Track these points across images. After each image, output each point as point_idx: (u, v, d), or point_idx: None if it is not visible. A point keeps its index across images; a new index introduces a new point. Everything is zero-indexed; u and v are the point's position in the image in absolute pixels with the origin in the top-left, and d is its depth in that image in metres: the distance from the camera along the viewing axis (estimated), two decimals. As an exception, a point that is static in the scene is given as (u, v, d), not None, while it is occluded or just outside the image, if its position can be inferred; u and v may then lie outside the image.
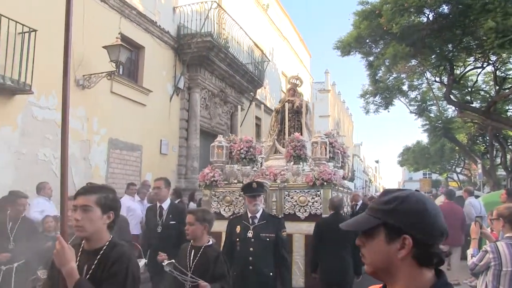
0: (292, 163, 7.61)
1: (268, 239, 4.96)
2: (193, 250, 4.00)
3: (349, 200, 9.60)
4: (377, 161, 56.47)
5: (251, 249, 4.86)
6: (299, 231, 7.08)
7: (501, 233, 4.07)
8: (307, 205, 7.25)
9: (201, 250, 3.96)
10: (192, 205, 10.50)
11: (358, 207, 11.18)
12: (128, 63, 11.65)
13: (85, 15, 10.06)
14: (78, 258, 2.52)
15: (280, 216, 6.15)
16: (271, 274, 4.90)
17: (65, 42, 2.67)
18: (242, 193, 6.23)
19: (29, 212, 6.89)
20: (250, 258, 4.83)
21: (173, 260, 4.02)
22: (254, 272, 4.80)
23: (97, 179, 10.43)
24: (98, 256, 2.54)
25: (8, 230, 5.62)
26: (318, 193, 7.23)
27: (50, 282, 2.65)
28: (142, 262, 5.57)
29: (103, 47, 9.90)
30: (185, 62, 13.93)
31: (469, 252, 4.17)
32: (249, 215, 5.11)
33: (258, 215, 5.07)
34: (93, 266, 2.51)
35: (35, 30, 8.31)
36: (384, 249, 1.40)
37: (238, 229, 5.07)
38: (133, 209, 9.10)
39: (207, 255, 3.91)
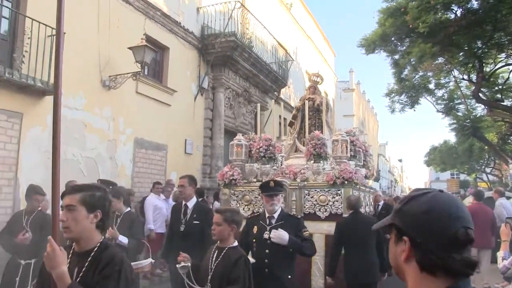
0: (312, 161, 7.51)
1: None
2: (216, 251, 3.89)
3: (371, 200, 9.46)
4: (400, 160, 55.81)
5: (266, 251, 4.55)
6: (319, 231, 6.94)
7: None
8: (327, 204, 7.13)
9: (224, 251, 3.83)
10: (217, 204, 10.57)
11: (380, 207, 10.93)
12: (153, 63, 11.79)
13: (110, 17, 10.26)
14: (68, 260, 2.41)
15: (299, 216, 5.82)
16: (289, 277, 4.59)
17: (56, 52, 2.65)
18: (260, 192, 6.00)
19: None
20: (266, 261, 4.52)
21: (189, 264, 3.91)
22: (269, 275, 4.50)
23: (123, 178, 10.62)
24: (89, 258, 2.44)
25: (23, 223, 5.74)
26: (339, 192, 7.09)
27: (40, 285, 2.58)
28: (148, 261, 5.44)
29: (128, 48, 10.05)
30: (209, 62, 14.04)
31: (500, 254, 4.09)
32: (267, 215, 4.84)
33: (276, 215, 4.77)
34: (83, 269, 2.41)
35: (63, 33, 8.45)
36: (393, 249, 1.39)
37: (255, 229, 4.80)
38: (159, 207, 9.23)
39: (229, 257, 3.76)
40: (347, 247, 6.04)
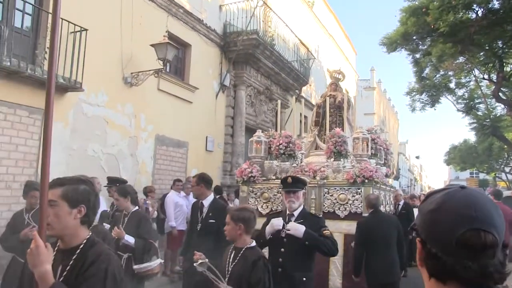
0: (332, 159, 7.42)
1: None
2: (233, 252, 3.76)
3: (391, 199, 9.37)
4: (417, 157, 55.10)
5: (282, 249, 4.41)
6: (338, 230, 6.74)
7: None
8: (347, 203, 7.04)
9: (241, 252, 3.68)
10: (238, 202, 10.56)
11: (400, 206, 10.94)
12: (175, 60, 11.83)
13: (133, 14, 10.31)
14: (53, 257, 2.23)
15: (320, 215, 5.63)
16: (304, 279, 4.38)
17: (50, 54, 2.37)
18: (280, 188, 5.96)
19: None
20: (280, 260, 4.38)
21: (207, 260, 3.77)
22: (283, 275, 4.31)
23: (143, 175, 10.69)
24: (74, 256, 2.27)
25: (26, 221, 5.66)
26: (359, 191, 6.99)
27: (20, 285, 2.42)
28: (157, 262, 5.40)
29: (150, 45, 10.08)
30: (231, 59, 14.05)
31: None
32: (287, 212, 4.66)
33: (296, 213, 4.57)
34: (68, 267, 2.25)
35: (86, 30, 8.54)
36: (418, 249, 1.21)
37: None
38: (180, 204, 9.26)
39: (247, 258, 3.61)
40: (368, 246, 5.97)
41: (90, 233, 2.41)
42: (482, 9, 15.12)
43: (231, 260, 3.71)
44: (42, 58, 8.10)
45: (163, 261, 6.25)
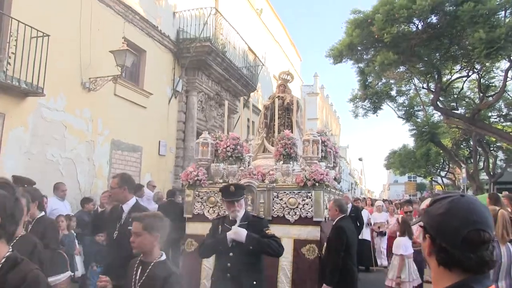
0: (281, 162, 7.06)
1: None
2: (140, 267, 3.28)
3: None
4: (360, 159, 56.66)
5: (230, 254, 4.27)
6: (288, 235, 6.50)
7: None
8: (297, 207, 6.72)
9: (150, 267, 3.21)
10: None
11: (349, 210, 10.38)
12: (130, 66, 11.99)
13: (92, 20, 10.44)
14: None
15: (262, 217, 5.33)
16: (254, 283, 4.28)
17: None
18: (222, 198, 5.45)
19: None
20: (228, 265, 4.27)
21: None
22: (232, 281, 4.22)
23: (100, 179, 10.82)
24: None
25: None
26: (309, 194, 6.68)
27: None
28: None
29: (110, 51, 10.26)
30: (184, 65, 14.32)
31: None
32: (231, 217, 4.54)
33: (239, 217, 4.46)
34: None
35: (48, 35, 8.64)
36: (422, 244, 1.61)
37: (219, 230, 4.54)
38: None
39: (156, 275, 3.17)
40: (348, 253, 5.91)
41: (11, 249, 2.01)
42: (421, 23, 16.18)
43: (138, 277, 3.25)
44: (7, 64, 8.12)
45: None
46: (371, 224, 12.24)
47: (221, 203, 6.85)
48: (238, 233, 4.22)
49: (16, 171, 8.49)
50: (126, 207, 4.83)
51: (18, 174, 8.51)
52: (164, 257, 3.29)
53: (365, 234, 11.55)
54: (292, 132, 7.45)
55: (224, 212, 6.28)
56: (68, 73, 9.83)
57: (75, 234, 7.74)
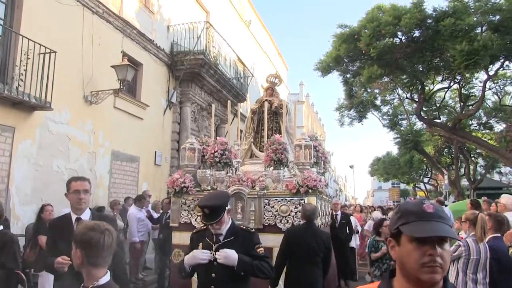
0: (272, 168, 6.77)
1: None
2: None
3: (329, 209, 8.90)
4: (351, 166, 57.25)
5: (213, 275, 3.57)
6: (280, 245, 5.90)
7: (468, 232, 5.19)
8: (289, 215, 6.49)
9: None
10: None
11: (339, 217, 10.49)
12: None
13: (93, 35, 10.88)
14: None
15: (252, 230, 4.12)
16: None
17: None
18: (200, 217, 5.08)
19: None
20: (212, 287, 3.58)
21: None
22: None
23: (101, 189, 11.22)
24: None
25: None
26: (302, 201, 6.39)
27: None
28: None
29: (111, 66, 10.72)
30: (178, 78, 14.81)
31: None
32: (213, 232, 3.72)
33: (224, 230, 3.69)
34: None
35: (55, 52, 9.06)
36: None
37: (200, 247, 3.73)
38: (142, 219, 9.83)
39: None
40: (292, 259, 5.54)
41: None
42: (405, 37, 16.89)
43: None
44: (18, 79, 8.52)
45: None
46: (358, 232, 12.26)
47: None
48: (228, 257, 3.50)
49: (25, 182, 8.95)
50: (86, 215, 3.96)
51: (28, 184, 9.01)
52: (105, 281, 2.36)
53: (352, 242, 11.08)
54: (281, 137, 7.16)
55: None
56: (71, 87, 10.25)
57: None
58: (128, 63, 10.66)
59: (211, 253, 3.57)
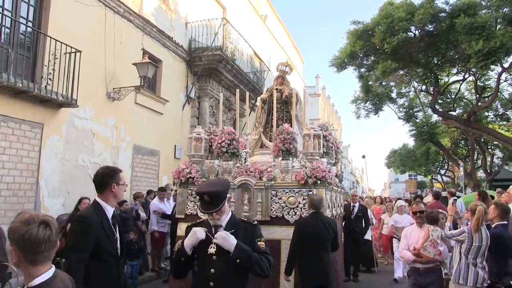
0: (280, 158, 6.63)
1: None
2: None
3: (341, 200, 8.77)
4: (363, 156, 57.15)
5: (212, 270, 3.24)
6: (288, 237, 5.88)
7: (471, 221, 5.53)
8: (297, 207, 6.33)
9: None
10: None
11: (356, 209, 10.45)
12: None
13: (115, 34, 11.31)
14: None
15: (255, 222, 3.71)
16: None
17: None
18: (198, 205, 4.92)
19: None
20: (211, 284, 3.23)
21: None
22: None
23: (124, 182, 11.62)
24: None
25: None
26: (311, 193, 6.24)
27: None
28: None
29: (133, 64, 11.15)
30: (196, 73, 15.24)
31: (447, 225, 5.77)
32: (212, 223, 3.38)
33: (224, 222, 3.36)
34: None
35: (80, 51, 9.51)
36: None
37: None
38: (163, 210, 10.20)
39: None
40: (305, 248, 5.55)
41: None
42: (419, 31, 17.06)
43: None
44: (46, 78, 9.00)
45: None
46: (373, 224, 12.41)
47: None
48: (227, 239, 3.20)
49: (53, 176, 9.43)
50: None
51: (56, 178, 9.49)
52: (42, 280, 2.00)
53: (367, 234, 11.08)
54: (291, 126, 6.99)
55: None
56: (95, 85, 10.71)
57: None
58: (149, 60, 11.08)
59: (210, 247, 3.23)
